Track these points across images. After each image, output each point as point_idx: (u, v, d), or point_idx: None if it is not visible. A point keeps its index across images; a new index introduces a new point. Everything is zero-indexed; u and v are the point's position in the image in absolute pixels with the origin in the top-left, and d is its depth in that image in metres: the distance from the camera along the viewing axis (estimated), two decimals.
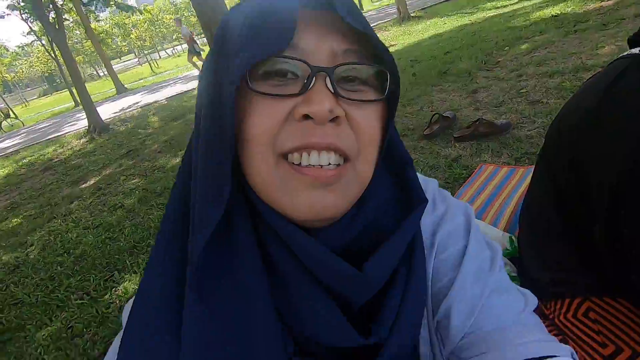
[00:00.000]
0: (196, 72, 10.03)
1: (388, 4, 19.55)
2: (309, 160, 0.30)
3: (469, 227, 0.41)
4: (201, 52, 9.54)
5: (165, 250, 0.33)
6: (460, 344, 0.35)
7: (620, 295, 0.72)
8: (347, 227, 0.34)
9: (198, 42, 10.45)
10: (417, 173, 0.40)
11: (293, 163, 0.30)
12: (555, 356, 0.31)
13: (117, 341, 0.35)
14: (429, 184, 0.45)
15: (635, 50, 0.63)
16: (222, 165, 0.29)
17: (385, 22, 10.03)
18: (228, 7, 4.33)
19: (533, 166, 0.88)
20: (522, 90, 2.53)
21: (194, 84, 8.75)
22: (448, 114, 2.36)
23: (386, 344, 0.32)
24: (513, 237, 1.12)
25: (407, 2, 11.50)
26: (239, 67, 0.28)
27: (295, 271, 0.32)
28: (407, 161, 0.38)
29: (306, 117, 0.29)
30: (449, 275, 0.37)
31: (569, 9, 4.57)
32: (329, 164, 0.30)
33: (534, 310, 0.38)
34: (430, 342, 0.38)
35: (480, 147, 1.96)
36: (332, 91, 0.29)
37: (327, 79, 0.29)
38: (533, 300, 0.39)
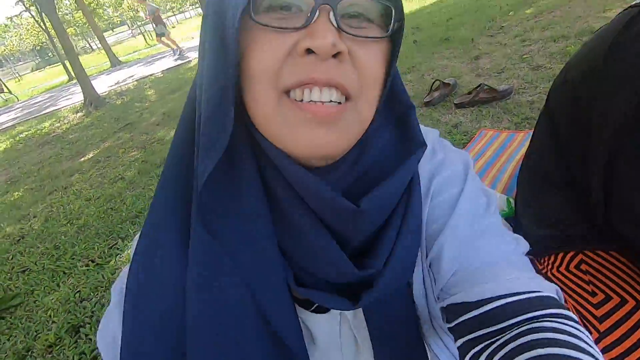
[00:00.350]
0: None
1: None
2: (311, 96, 0.29)
3: (466, 174, 0.41)
4: (168, 33, 8.98)
5: (173, 173, 0.34)
6: (450, 280, 0.36)
7: (613, 248, 0.74)
8: (350, 170, 0.34)
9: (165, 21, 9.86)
10: (420, 124, 0.40)
11: (295, 99, 0.30)
12: (539, 291, 0.32)
13: (125, 269, 0.36)
14: (429, 133, 0.45)
15: None
16: (227, 92, 0.29)
17: None
18: None
19: (532, 130, 0.87)
20: (525, 56, 2.47)
21: (190, 55, 8.53)
22: (449, 81, 2.32)
23: (380, 274, 0.33)
24: (510, 199, 1.14)
25: None
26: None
27: (297, 207, 0.32)
28: (410, 106, 0.38)
29: (309, 51, 0.28)
30: (444, 218, 0.38)
31: None
32: (330, 101, 0.30)
33: (526, 255, 0.39)
34: (424, 280, 0.40)
35: (480, 113, 1.94)
36: (336, 26, 0.29)
37: (331, 13, 0.29)
38: (524, 244, 0.40)
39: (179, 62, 8.25)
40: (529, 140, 0.89)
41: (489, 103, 1.98)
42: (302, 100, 0.29)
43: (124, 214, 2.16)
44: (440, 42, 3.45)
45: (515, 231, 0.99)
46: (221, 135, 0.29)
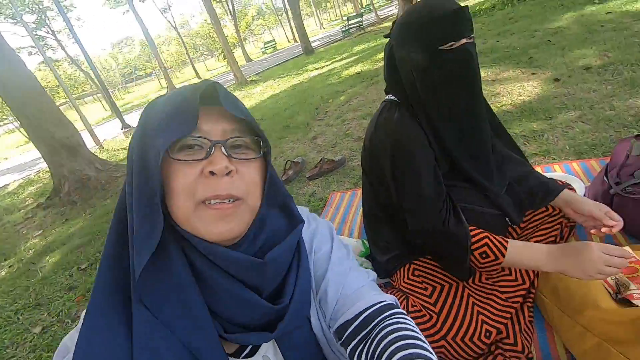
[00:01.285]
0: None
1: (225, 72, 20.68)
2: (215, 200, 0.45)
3: (332, 235, 0.64)
4: None
5: (109, 264, 0.44)
6: (335, 309, 0.55)
7: (424, 255, 1.08)
8: (251, 243, 0.49)
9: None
10: None
11: (206, 202, 0.44)
12: (384, 301, 0.54)
13: (68, 337, 0.43)
14: (303, 210, 0.66)
15: (388, 97, 1.03)
16: (155, 211, 0.42)
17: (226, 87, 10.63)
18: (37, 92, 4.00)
19: None
20: (347, 132, 3.18)
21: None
22: (297, 160, 2.76)
23: (288, 308, 0.49)
24: (364, 241, 1.45)
25: (242, 69, 12.54)
26: (163, 143, 0.42)
27: (219, 275, 0.45)
28: (287, 196, 0.56)
29: (211, 173, 0.43)
30: (324, 266, 0.59)
31: (366, 68, 5.98)
32: (229, 201, 0.45)
33: (379, 282, 0.63)
34: (318, 315, 0.58)
35: (327, 181, 2.38)
36: (226, 155, 0.45)
37: (222, 148, 0.45)
38: (373, 274, 0.63)
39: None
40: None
41: (332, 172, 2.46)
42: (210, 202, 0.44)
43: None
44: (283, 129, 4.05)
45: (372, 263, 1.28)
46: (154, 233, 0.41)
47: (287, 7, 19.24)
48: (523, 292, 0.98)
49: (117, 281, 0.43)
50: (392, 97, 1.01)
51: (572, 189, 1.09)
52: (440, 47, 0.83)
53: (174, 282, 0.43)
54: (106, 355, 0.39)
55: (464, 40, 0.82)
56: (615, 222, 0.89)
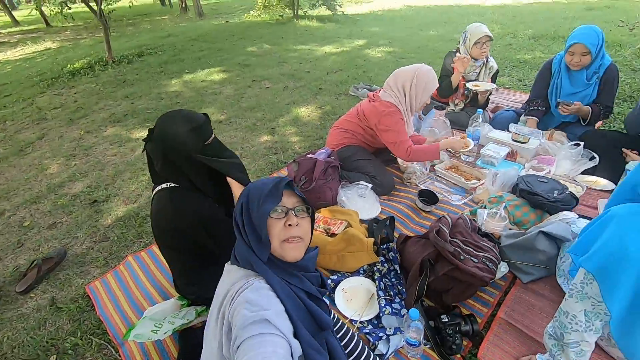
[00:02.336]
0: None
1: None
2: (294, 239, 0.94)
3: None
4: None
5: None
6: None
7: None
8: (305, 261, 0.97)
9: None
10: None
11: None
12: None
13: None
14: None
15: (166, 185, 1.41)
16: (265, 245, 0.90)
17: None
18: None
19: None
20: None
21: None
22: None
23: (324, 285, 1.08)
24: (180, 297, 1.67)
25: None
26: (266, 209, 0.90)
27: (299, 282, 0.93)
28: None
29: (289, 225, 0.93)
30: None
31: None
32: (297, 238, 0.93)
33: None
34: None
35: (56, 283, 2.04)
36: (295, 215, 0.95)
37: (292, 212, 0.95)
38: None
39: None
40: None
41: (53, 270, 2.10)
42: (288, 239, 0.93)
43: None
44: None
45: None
46: (264, 253, 0.90)
47: None
48: None
49: None
50: (170, 185, 1.37)
51: None
52: None
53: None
54: None
55: None
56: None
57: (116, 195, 2.79)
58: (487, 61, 3.14)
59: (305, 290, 0.93)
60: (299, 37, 8.16)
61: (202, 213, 1.34)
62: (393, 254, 1.76)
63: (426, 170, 2.59)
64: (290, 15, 10.85)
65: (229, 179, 1.41)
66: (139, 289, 1.88)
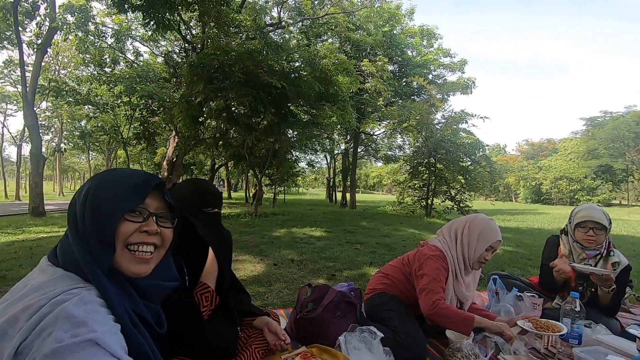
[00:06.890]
0: None
1: None
2: (143, 249, 0.75)
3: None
4: None
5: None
6: None
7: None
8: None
9: None
10: None
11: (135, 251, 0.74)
12: None
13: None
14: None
15: None
16: (109, 249, 0.71)
17: None
18: None
19: None
20: None
21: None
22: None
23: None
24: None
25: None
26: (122, 206, 0.73)
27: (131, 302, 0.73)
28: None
29: (145, 231, 0.75)
30: None
31: None
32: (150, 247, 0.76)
33: None
34: None
35: None
36: (156, 222, 0.77)
37: (153, 218, 0.77)
38: None
39: None
40: None
41: None
42: (137, 251, 0.74)
43: None
44: None
45: None
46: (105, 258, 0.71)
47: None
48: None
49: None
50: None
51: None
52: None
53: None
54: None
55: None
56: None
57: None
58: (606, 253, 2.42)
59: (138, 314, 0.73)
60: (417, 225, 8.33)
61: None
62: None
63: (486, 357, 1.82)
64: (422, 213, 11.49)
65: (210, 251, 1.38)
66: None
